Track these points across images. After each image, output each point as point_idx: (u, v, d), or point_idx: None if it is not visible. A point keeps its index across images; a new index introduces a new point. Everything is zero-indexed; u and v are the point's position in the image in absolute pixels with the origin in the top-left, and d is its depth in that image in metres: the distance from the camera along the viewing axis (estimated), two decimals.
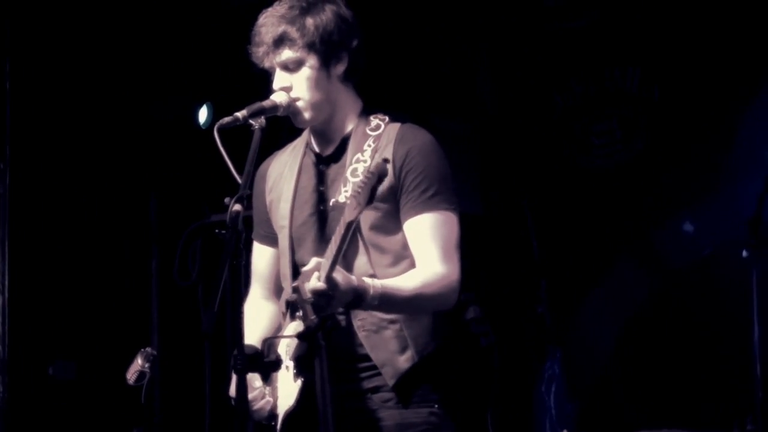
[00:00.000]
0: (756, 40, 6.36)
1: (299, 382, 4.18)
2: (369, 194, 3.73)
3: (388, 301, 4.07)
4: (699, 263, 6.38)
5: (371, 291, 4.01)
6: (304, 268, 3.99)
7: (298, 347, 4.17)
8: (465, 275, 4.26)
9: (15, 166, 7.00)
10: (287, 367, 4.24)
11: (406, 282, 4.12)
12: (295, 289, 4.03)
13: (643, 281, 6.57)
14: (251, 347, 4.26)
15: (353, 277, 4.00)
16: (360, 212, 3.79)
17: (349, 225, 3.82)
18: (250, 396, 4.29)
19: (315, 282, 3.90)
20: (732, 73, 6.44)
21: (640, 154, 6.78)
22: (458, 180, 4.30)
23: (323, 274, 3.89)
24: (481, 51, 7.18)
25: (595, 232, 6.78)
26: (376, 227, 4.20)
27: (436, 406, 4.24)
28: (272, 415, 4.32)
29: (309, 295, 3.91)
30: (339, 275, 3.92)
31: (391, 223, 4.19)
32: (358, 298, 3.99)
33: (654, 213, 6.65)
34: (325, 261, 3.91)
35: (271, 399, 4.31)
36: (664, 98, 6.70)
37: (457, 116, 7.15)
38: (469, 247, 4.29)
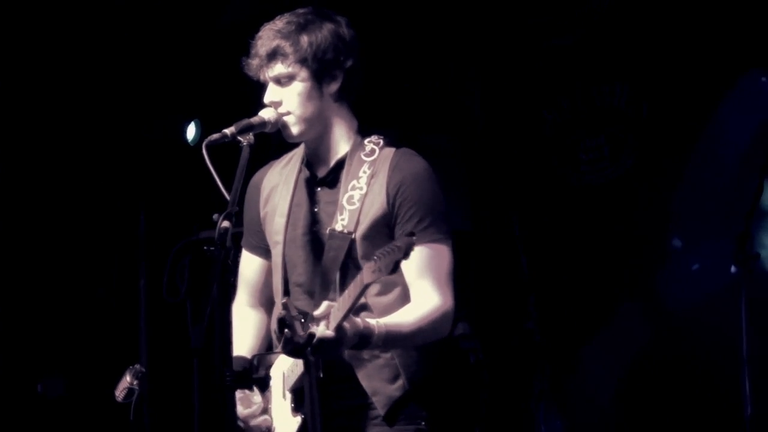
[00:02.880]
0: (744, 57, 6.39)
1: (299, 418, 4.19)
2: (392, 267, 3.72)
3: (392, 341, 4.09)
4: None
5: (375, 332, 4.01)
6: (316, 313, 3.97)
7: (298, 379, 4.16)
8: (453, 291, 4.27)
9: (2, 182, 6.99)
10: (284, 395, 4.24)
11: (405, 318, 4.12)
12: (284, 306, 4.02)
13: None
14: (240, 362, 4.26)
15: (359, 320, 3.99)
16: (378, 278, 3.78)
17: (366, 286, 3.82)
18: (249, 411, 4.30)
19: (324, 329, 3.90)
20: (720, 90, 6.46)
21: (628, 170, 6.79)
22: (447, 196, 4.31)
23: (333, 323, 3.89)
24: (470, 67, 7.19)
25: (584, 248, 6.79)
26: (368, 256, 4.20)
27: (423, 423, 4.24)
28: None
29: (316, 342, 3.90)
30: (347, 323, 3.93)
31: None
32: (364, 341, 4.00)
33: (642, 229, 6.67)
34: (337, 310, 3.91)
35: (269, 418, 4.31)
36: (652, 115, 6.71)
37: (446, 132, 7.16)
38: (458, 264, 4.29)
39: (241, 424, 4.29)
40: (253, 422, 4.31)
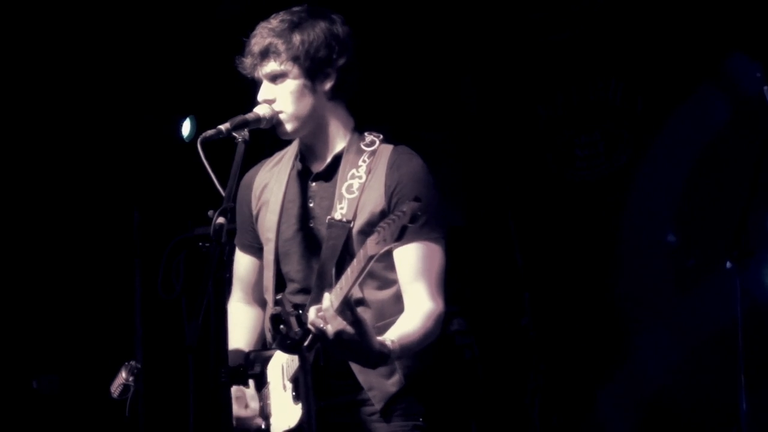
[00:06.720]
0: (737, 53, 6.40)
1: (300, 406, 4.17)
2: (398, 233, 3.67)
3: (404, 353, 4.10)
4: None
5: (391, 349, 4.01)
6: (323, 306, 3.93)
7: (298, 368, 4.15)
8: (448, 288, 4.28)
9: None
10: (284, 386, 4.24)
11: (408, 328, 4.12)
12: (278, 302, 4.02)
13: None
14: (237, 357, 4.25)
15: (378, 338, 3.99)
16: (384, 248, 3.74)
17: (370, 258, 3.78)
18: (244, 413, 4.29)
19: (328, 304, 3.87)
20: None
21: (622, 166, 6.79)
22: (442, 193, 4.31)
23: (337, 301, 3.87)
24: (465, 63, 7.19)
25: (579, 244, 6.80)
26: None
27: (421, 419, 4.27)
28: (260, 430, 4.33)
29: (318, 316, 3.88)
30: (362, 317, 3.91)
31: None
32: (383, 357, 4.00)
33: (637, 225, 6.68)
34: (340, 288, 3.88)
35: (261, 420, 4.32)
36: (646, 111, 6.72)
37: (440, 128, 7.16)
38: (453, 260, 4.30)
39: (234, 422, 4.28)
40: (245, 423, 4.32)
